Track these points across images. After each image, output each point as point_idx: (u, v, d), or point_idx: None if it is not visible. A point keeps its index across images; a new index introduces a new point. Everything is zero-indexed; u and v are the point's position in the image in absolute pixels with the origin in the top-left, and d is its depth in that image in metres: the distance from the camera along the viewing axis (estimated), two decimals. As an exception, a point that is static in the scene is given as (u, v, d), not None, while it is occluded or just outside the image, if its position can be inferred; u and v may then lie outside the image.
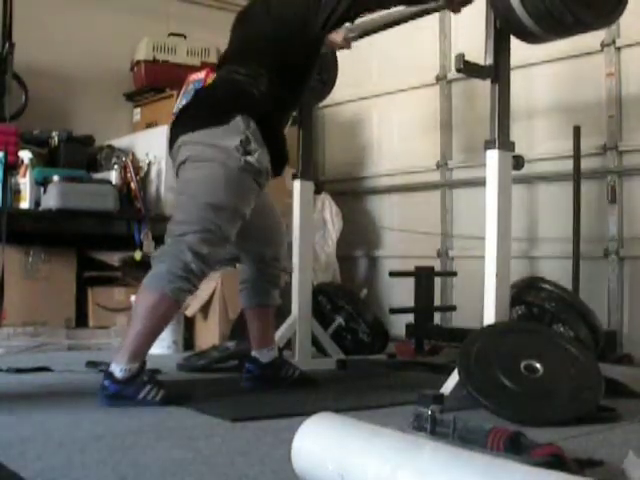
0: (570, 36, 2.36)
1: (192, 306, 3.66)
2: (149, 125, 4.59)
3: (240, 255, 2.63)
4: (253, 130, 2.27)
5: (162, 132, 4.06)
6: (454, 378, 2.20)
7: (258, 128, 2.28)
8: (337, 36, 2.92)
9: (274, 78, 2.36)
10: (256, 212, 2.40)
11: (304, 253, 3.15)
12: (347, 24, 2.69)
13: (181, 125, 2.38)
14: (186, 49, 4.73)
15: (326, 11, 2.36)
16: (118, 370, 2.16)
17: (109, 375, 2.17)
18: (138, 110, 4.82)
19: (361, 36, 3.02)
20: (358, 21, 2.63)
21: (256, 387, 2.57)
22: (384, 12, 3.03)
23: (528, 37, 2.35)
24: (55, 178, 3.64)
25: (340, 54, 3.37)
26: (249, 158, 2.24)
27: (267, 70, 2.36)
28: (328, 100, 3.81)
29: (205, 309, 3.70)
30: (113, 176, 3.86)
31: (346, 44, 2.95)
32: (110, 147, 4.13)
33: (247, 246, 2.56)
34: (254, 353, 2.64)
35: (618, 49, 3.62)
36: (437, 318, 4.11)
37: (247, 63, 2.39)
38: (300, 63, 2.45)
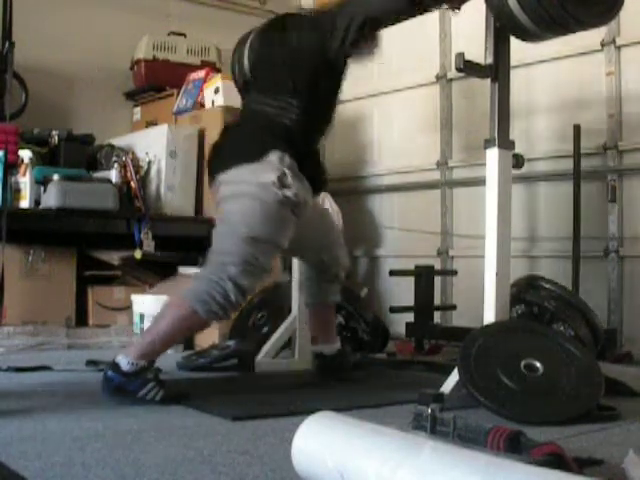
0: (567, 34, 2.35)
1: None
2: (149, 124, 4.59)
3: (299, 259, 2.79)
4: (289, 164, 2.31)
5: (162, 131, 4.07)
6: (454, 377, 2.20)
7: (293, 159, 2.33)
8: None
9: (304, 105, 2.40)
10: (306, 225, 2.47)
11: (304, 252, 3.15)
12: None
13: (218, 163, 2.44)
14: (186, 48, 4.73)
15: (339, 35, 2.38)
16: (125, 362, 2.18)
17: (114, 366, 2.18)
18: (138, 109, 4.82)
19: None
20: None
21: (325, 379, 2.72)
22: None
23: (525, 35, 2.35)
24: (55, 177, 3.64)
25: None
26: (287, 192, 2.29)
27: (296, 98, 2.40)
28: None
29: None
30: (113, 175, 3.86)
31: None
32: (110, 146, 4.12)
33: (304, 254, 2.71)
34: (319, 348, 2.80)
35: (618, 48, 3.62)
36: (437, 317, 4.11)
37: (276, 92, 2.43)
38: (327, 87, 2.49)
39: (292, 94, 2.40)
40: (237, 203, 2.33)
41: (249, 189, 2.30)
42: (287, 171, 2.30)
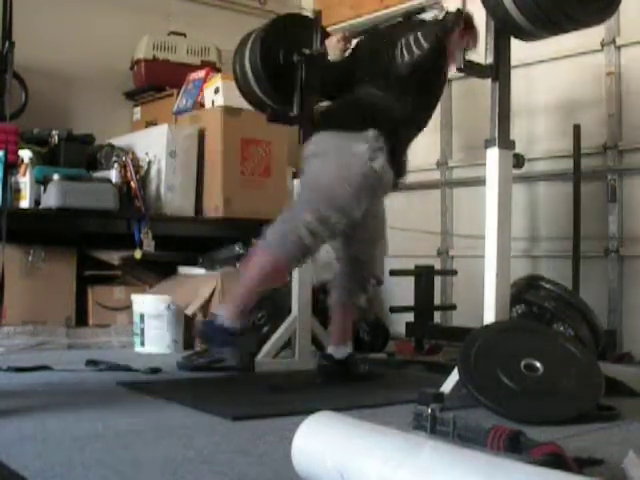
0: (563, 33, 2.35)
1: (192, 305, 3.66)
2: (149, 124, 4.59)
3: (338, 252, 2.83)
4: (382, 144, 2.49)
5: (162, 131, 4.07)
6: (454, 377, 2.20)
7: (387, 145, 2.50)
8: (332, 40, 2.93)
9: (413, 106, 2.61)
10: (369, 216, 2.60)
11: (304, 252, 3.15)
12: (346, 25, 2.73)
13: (322, 124, 2.65)
14: (186, 48, 4.72)
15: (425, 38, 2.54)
16: (225, 318, 2.40)
17: (214, 317, 2.44)
18: (138, 109, 4.82)
19: (361, 34, 3.01)
20: (359, 21, 2.66)
21: (330, 382, 2.69)
22: (383, 11, 3.02)
23: (521, 34, 2.34)
24: (55, 177, 3.64)
25: (340, 53, 3.36)
26: (373, 164, 2.45)
27: (409, 98, 2.60)
28: (328, 99, 3.81)
29: (205, 308, 3.70)
30: (113, 175, 3.86)
31: (343, 44, 2.94)
32: (110, 146, 4.12)
33: (350, 243, 2.76)
34: (329, 349, 2.81)
35: (618, 48, 3.62)
36: (437, 317, 4.11)
37: (391, 89, 2.61)
38: (432, 94, 2.75)
39: (406, 93, 2.59)
40: (324, 164, 2.50)
41: (339, 153, 2.48)
42: (379, 148, 2.47)
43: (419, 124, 2.74)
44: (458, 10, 2.47)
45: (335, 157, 2.49)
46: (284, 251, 2.40)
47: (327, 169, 2.49)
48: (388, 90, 2.62)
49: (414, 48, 2.52)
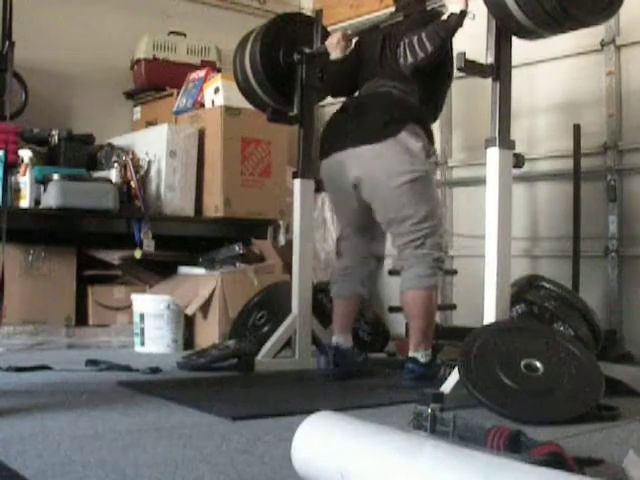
0: (564, 32, 2.35)
1: (192, 305, 3.66)
2: (149, 124, 4.59)
3: (353, 244, 2.95)
4: (424, 135, 2.66)
5: (162, 131, 4.06)
6: (454, 377, 2.20)
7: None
8: (332, 39, 2.93)
9: (422, 95, 2.73)
10: None
11: (304, 251, 3.15)
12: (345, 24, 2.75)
13: (358, 135, 2.68)
14: (186, 47, 4.72)
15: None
16: (420, 356, 2.64)
17: (413, 360, 2.63)
18: (138, 108, 4.82)
19: (361, 33, 3.01)
20: (359, 20, 2.66)
21: (340, 372, 2.77)
22: (383, 11, 3.00)
23: (522, 33, 2.35)
24: (55, 177, 3.64)
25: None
26: (432, 159, 2.66)
27: (417, 87, 2.71)
28: (329, 99, 3.81)
29: (205, 308, 3.70)
30: (113, 174, 3.86)
31: (344, 43, 2.94)
32: (110, 145, 4.12)
33: (376, 238, 2.95)
34: (334, 339, 2.89)
35: (618, 48, 3.62)
36: (437, 317, 4.10)
37: (401, 80, 2.72)
38: (438, 83, 2.81)
39: (415, 82, 2.69)
40: (408, 181, 2.59)
41: (406, 161, 2.58)
42: (427, 139, 2.64)
43: (434, 111, 2.87)
44: (462, 12, 2.46)
45: (407, 170, 2.58)
46: (434, 280, 2.66)
47: (414, 186, 2.60)
48: (395, 85, 2.70)
49: (418, 50, 2.54)
